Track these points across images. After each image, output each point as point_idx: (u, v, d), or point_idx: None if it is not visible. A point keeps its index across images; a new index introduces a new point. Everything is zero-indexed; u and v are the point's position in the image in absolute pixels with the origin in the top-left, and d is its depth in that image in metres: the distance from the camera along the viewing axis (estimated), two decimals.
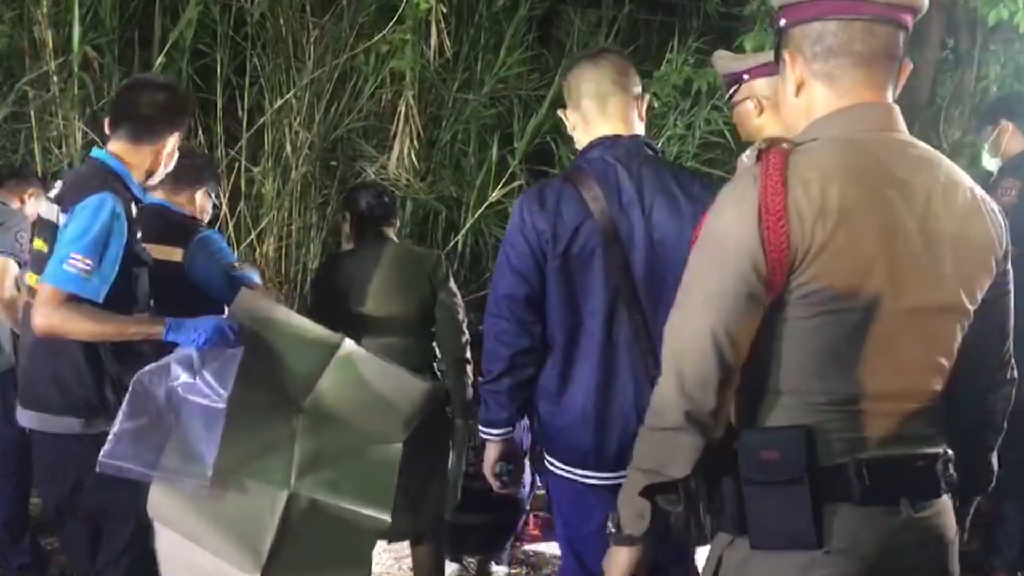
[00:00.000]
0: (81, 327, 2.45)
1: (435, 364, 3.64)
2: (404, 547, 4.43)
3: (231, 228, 6.25)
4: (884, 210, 1.40)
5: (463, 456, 3.73)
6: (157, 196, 3.18)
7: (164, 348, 2.50)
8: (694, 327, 1.43)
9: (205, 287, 3.02)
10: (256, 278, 3.25)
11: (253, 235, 6.48)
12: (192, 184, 3.25)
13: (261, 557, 2.49)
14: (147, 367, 2.45)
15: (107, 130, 2.72)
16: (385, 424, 2.74)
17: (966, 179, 1.50)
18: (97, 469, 2.38)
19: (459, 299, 3.64)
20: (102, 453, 2.37)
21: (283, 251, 6.80)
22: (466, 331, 3.63)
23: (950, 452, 1.49)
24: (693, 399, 1.42)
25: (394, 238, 3.72)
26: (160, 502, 2.48)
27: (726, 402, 1.44)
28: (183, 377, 2.41)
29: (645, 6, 8.16)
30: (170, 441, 2.41)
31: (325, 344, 2.63)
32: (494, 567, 4.55)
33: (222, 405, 2.40)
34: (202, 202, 3.30)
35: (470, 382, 3.65)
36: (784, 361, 1.43)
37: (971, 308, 1.47)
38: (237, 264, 3.10)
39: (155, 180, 2.79)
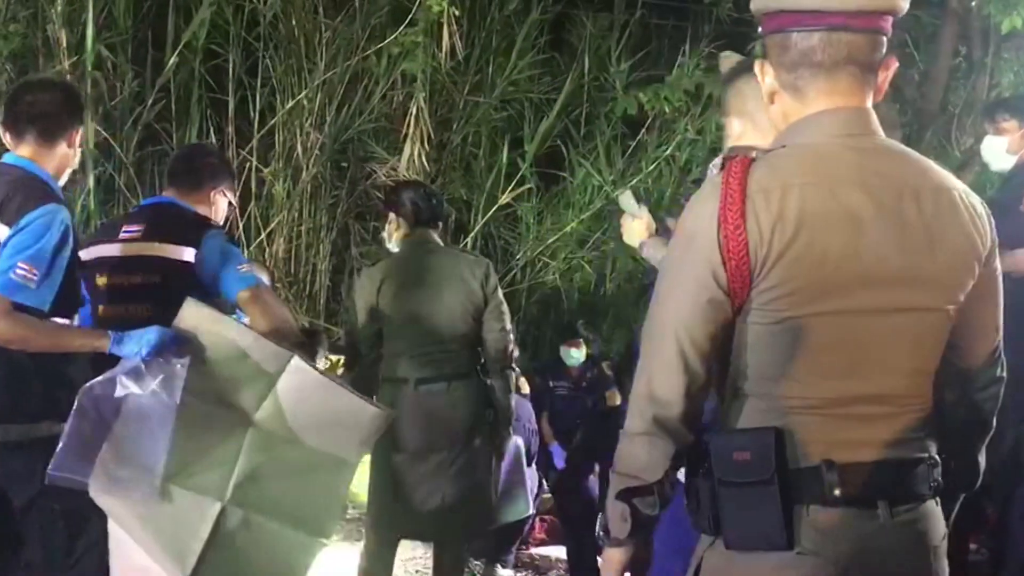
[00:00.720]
0: (28, 336, 2.45)
1: (478, 369, 3.54)
2: (408, 549, 4.44)
3: (241, 228, 6.28)
4: (849, 215, 1.40)
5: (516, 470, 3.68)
6: (169, 194, 3.17)
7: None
8: (660, 334, 1.46)
9: (215, 288, 3.01)
10: (265, 279, 3.24)
11: (263, 235, 6.51)
12: (209, 183, 3.22)
13: (187, 564, 2.51)
14: (94, 380, 2.46)
15: (8, 138, 2.69)
16: (336, 445, 2.70)
17: (944, 178, 1.49)
18: (46, 481, 2.39)
19: (506, 308, 3.57)
20: (50, 466, 2.39)
21: (293, 252, 6.82)
22: (512, 340, 3.57)
23: (936, 457, 1.48)
24: (660, 404, 1.45)
25: (439, 241, 3.63)
26: (102, 501, 2.50)
27: (695, 407, 1.46)
28: (131, 388, 2.42)
29: (657, 11, 8.16)
30: (117, 452, 2.44)
31: (274, 359, 2.59)
32: (500, 570, 4.56)
33: (171, 416, 2.43)
34: (218, 202, 3.28)
35: (513, 395, 3.60)
36: (754, 365, 1.44)
37: (951, 308, 1.46)
38: (246, 266, 3.09)
39: (63, 180, 2.77)
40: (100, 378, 2.45)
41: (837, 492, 1.38)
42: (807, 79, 1.47)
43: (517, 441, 3.68)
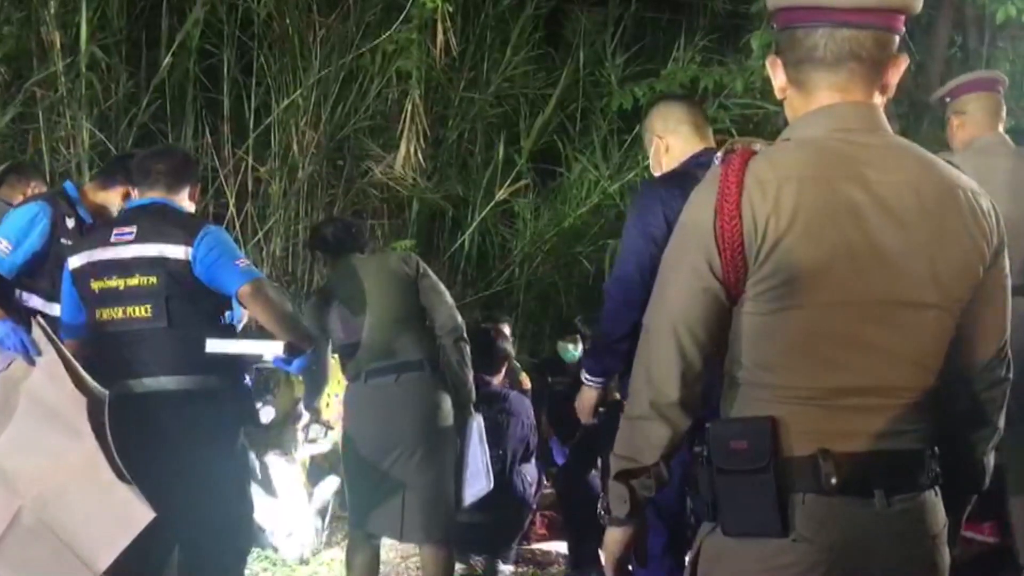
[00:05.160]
0: None
1: (431, 359, 3.59)
2: (410, 546, 4.43)
3: (238, 228, 6.27)
4: (845, 207, 1.43)
5: (477, 446, 3.72)
6: (155, 195, 3.14)
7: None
8: (658, 320, 1.52)
9: (214, 284, 3.01)
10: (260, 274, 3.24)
11: (260, 234, 6.50)
12: (190, 179, 3.24)
13: None
14: None
15: None
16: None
17: (949, 176, 1.49)
18: None
19: (442, 286, 3.67)
20: None
21: (290, 250, 6.82)
22: (458, 314, 3.65)
23: (935, 448, 1.50)
24: (657, 389, 1.50)
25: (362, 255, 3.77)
26: None
27: (692, 393, 1.50)
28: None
29: (651, 4, 8.14)
30: None
31: (91, 390, 2.76)
32: (501, 566, 4.56)
33: None
34: (193, 198, 3.31)
35: (470, 368, 3.65)
36: (752, 355, 1.48)
37: (950, 304, 1.47)
38: (245, 260, 3.08)
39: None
40: None
41: (833, 481, 1.41)
42: (810, 73, 1.51)
43: (478, 419, 3.73)
